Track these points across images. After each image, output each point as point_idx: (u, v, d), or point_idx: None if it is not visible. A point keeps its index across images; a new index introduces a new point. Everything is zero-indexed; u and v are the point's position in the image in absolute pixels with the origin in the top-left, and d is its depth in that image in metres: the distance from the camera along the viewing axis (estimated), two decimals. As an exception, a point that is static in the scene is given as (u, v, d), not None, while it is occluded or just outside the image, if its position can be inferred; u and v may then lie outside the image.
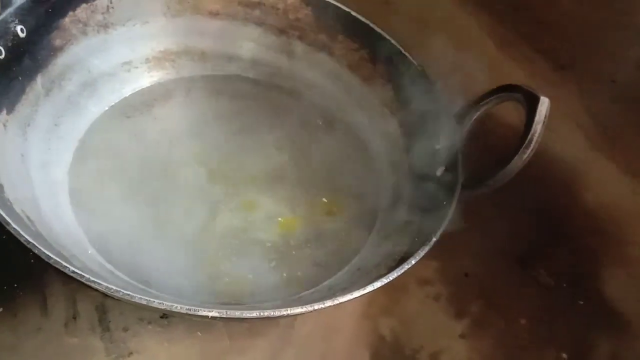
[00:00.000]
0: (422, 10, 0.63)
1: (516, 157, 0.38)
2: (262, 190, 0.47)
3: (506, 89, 0.42)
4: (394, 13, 0.54)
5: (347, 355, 0.45)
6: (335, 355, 0.44)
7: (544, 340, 0.48)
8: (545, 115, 0.38)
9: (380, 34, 0.50)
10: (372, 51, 0.51)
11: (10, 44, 0.40)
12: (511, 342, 0.48)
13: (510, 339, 0.48)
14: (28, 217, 0.35)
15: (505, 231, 0.53)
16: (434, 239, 0.37)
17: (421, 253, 0.36)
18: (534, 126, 0.37)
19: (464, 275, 0.51)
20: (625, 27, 0.59)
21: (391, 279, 0.35)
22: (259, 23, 0.53)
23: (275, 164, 0.49)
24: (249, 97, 0.53)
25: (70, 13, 0.45)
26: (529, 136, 0.38)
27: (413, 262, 0.35)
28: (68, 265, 0.30)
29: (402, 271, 0.35)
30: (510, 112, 0.46)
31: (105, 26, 0.48)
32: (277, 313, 0.32)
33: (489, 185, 0.40)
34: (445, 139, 0.44)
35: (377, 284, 0.34)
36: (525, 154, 0.38)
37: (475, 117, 0.44)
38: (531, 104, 0.38)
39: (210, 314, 0.31)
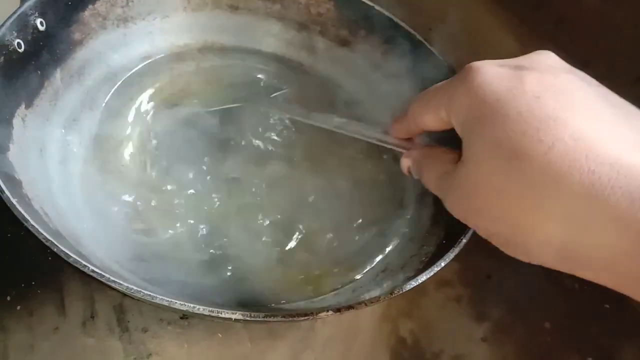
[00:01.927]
0: (441, 8, 0.63)
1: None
2: (283, 189, 0.46)
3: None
4: (415, 9, 0.54)
5: (367, 358, 0.44)
6: (356, 358, 0.44)
7: (569, 345, 0.48)
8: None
9: (404, 29, 0.49)
10: (396, 46, 0.50)
11: (29, 38, 0.39)
12: (534, 347, 0.47)
13: (534, 344, 0.47)
14: (46, 214, 0.35)
15: (528, 232, 0.52)
16: (464, 241, 0.36)
17: (451, 255, 0.35)
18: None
19: (485, 277, 0.50)
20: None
21: (420, 282, 0.34)
22: (280, 18, 0.53)
23: (295, 162, 0.48)
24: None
25: (90, 6, 0.44)
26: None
27: (443, 264, 0.34)
28: (87, 264, 0.29)
29: (432, 274, 0.34)
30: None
31: (125, 20, 0.47)
32: (302, 317, 0.32)
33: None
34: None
35: (405, 287, 0.33)
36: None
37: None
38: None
39: (234, 317, 0.30)
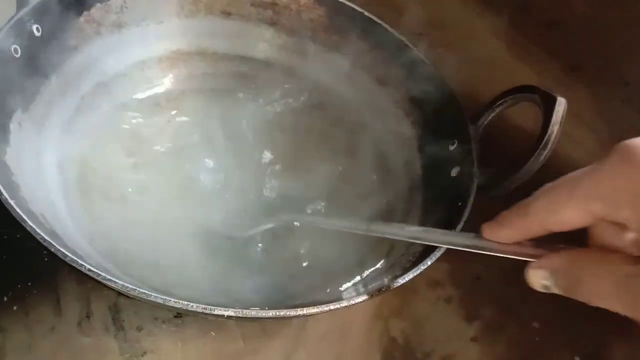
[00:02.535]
0: (431, 14, 0.64)
1: (533, 159, 0.38)
2: (273, 192, 0.47)
3: (522, 90, 0.42)
4: (404, 15, 0.54)
5: (359, 357, 0.45)
6: (348, 357, 0.44)
7: (557, 344, 0.48)
8: (562, 116, 0.38)
9: (393, 35, 0.50)
10: (385, 52, 0.51)
11: (26, 43, 0.40)
12: (524, 346, 0.48)
13: (523, 343, 0.48)
14: (43, 216, 0.36)
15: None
16: (450, 240, 0.37)
17: (437, 254, 0.36)
18: (550, 127, 0.37)
19: (475, 278, 0.51)
20: (638, 28, 0.59)
21: (406, 280, 0.34)
22: (272, 24, 0.53)
23: (288, 166, 0.49)
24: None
25: (85, 13, 0.45)
26: (546, 137, 0.37)
27: (429, 262, 0.35)
28: (84, 264, 0.30)
29: (418, 272, 0.35)
30: (523, 114, 0.46)
31: (119, 26, 0.48)
32: (292, 313, 0.32)
33: (505, 187, 0.40)
34: (459, 139, 0.44)
35: (392, 285, 0.34)
36: (542, 155, 0.38)
37: (490, 118, 0.44)
38: (548, 104, 0.38)
39: (227, 313, 0.31)
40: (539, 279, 0.27)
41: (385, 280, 0.36)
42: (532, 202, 0.26)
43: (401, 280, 0.34)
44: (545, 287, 0.27)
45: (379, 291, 0.34)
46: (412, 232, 0.34)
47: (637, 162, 0.22)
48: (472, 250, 0.30)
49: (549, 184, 0.26)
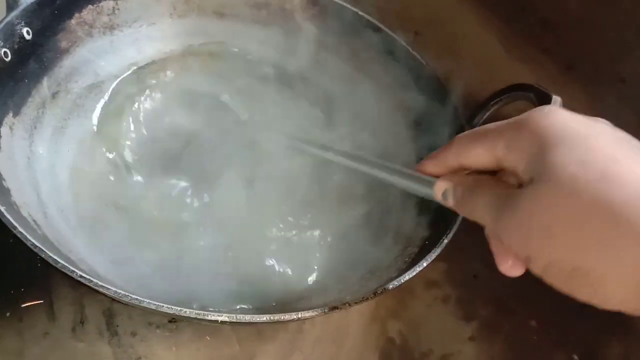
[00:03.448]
0: (428, 13, 0.63)
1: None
2: (268, 194, 0.47)
3: (517, 88, 0.42)
4: (399, 14, 0.54)
5: (356, 359, 0.45)
6: (345, 359, 0.44)
7: (555, 342, 0.48)
8: (558, 114, 0.37)
9: (388, 34, 0.50)
10: (380, 52, 0.50)
11: (16, 47, 0.39)
12: (521, 345, 0.48)
13: (521, 341, 0.48)
14: (35, 221, 0.35)
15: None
16: (445, 241, 0.37)
17: (433, 255, 0.36)
18: (546, 126, 0.37)
19: (472, 277, 0.51)
20: (633, 27, 0.59)
21: (402, 282, 0.34)
22: (266, 24, 0.53)
23: (283, 168, 0.49)
24: (255, 98, 0.53)
25: (76, 15, 0.44)
26: (542, 136, 0.37)
27: (425, 264, 0.35)
28: (75, 270, 0.30)
29: (414, 274, 0.35)
30: (518, 112, 0.46)
31: (111, 28, 0.48)
32: (287, 317, 0.32)
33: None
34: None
35: (388, 287, 0.34)
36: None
37: (486, 116, 0.44)
38: (543, 102, 0.38)
39: (220, 318, 0.30)
40: (441, 188, 0.32)
41: (382, 283, 0.36)
42: (455, 139, 0.31)
43: (397, 282, 0.34)
44: (444, 196, 0.31)
45: (374, 294, 0.34)
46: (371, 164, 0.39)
47: (542, 117, 0.26)
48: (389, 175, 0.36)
49: (476, 128, 0.30)
